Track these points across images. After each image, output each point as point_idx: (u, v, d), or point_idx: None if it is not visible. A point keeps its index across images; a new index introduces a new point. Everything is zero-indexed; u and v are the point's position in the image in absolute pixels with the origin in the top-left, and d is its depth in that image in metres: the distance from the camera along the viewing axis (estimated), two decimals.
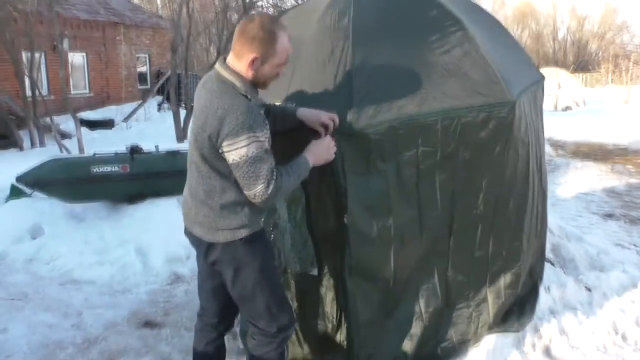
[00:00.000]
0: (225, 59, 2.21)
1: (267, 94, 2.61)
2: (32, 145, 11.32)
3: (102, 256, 4.71)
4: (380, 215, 2.64)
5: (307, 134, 2.45)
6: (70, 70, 15.89)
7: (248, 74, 2.15)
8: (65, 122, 13.15)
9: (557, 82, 22.68)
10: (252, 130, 2.06)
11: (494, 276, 3.00)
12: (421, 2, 3.01)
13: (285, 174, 2.18)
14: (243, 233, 2.24)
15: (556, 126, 13.86)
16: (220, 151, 2.12)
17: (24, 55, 12.03)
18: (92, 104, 16.95)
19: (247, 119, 2.05)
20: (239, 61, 2.15)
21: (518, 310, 3.26)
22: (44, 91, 14.32)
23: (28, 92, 11.53)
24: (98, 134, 13.22)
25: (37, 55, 11.56)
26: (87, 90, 17.31)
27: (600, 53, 40.53)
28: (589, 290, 3.85)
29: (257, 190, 2.12)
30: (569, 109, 20.42)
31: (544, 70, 21.86)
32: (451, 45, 2.77)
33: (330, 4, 3.00)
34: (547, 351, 3.19)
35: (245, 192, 2.16)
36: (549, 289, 3.65)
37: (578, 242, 4.71)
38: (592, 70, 36.45)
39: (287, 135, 2.50)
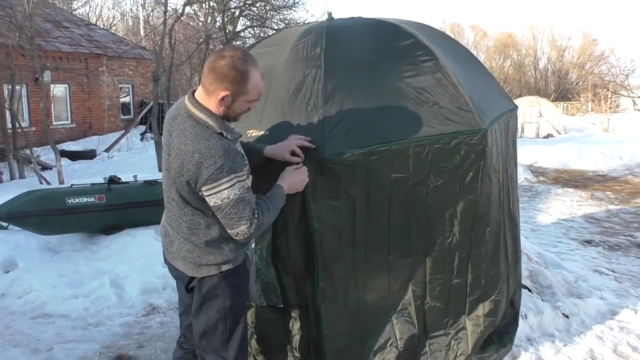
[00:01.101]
0: (194, 92, 2.17)
1: (240, 122, 2.62)
2: (12, 177, 11.18)
3: (77, 289, 4.61)
4: (349, 240, 2.63)
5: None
6: (52, 101, 15.83)
7: (219, 110, 2.12)
8: (47, 154, 13.06)
9: (538, 111, 23.08)
10: (232, 172, 2.04)
11: (472, 304, 2.97)
12: (393, 33, 3.05)
13: (265, 210, 2.18)
14: (226, 267, 2.23)
15: (537, 153, 14.03)
16: (200, 194, 2.10)
17: (5, 88, 11.98)
18: (74, 135, 16.87)
19: (225, 161, 2.03)
20: (209, 97, 2.10)
21: (497, 340, 3.22)
22: (25, 123, 14.24)
23: (9, 124, 11.44)
24: (79, 165, 13.11)
25: (18, 87, 11.51)
26: (69, 121, 17.22)
27: (581, 82, 41.35)
28: (567, 317, 3.84)
29: (239, 230, 2.11)
30: (550, 136, 20.71)
31: (525, 99, 22.20)
32: (423, 74, 2.81)
33: (303, 34, 3.04)
34: None
35: (228, 231, 2.16)
36: (526, 316, 3.64)
37: (556, 268, 4.73)
38: (572, 99, 37.11)
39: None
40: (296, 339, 2.75)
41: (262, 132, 2.66)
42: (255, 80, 2.10)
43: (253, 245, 2.70)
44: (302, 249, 2.61)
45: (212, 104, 2.10)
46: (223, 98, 2.07)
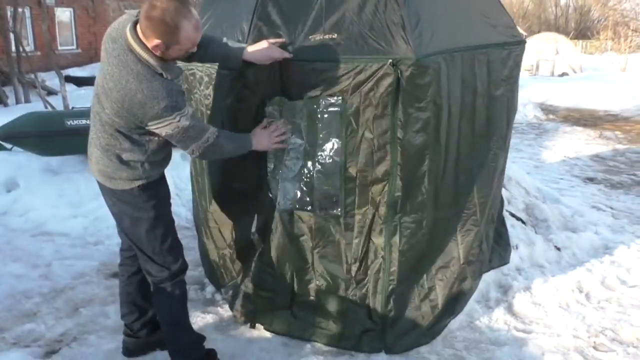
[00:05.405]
0: (135, 24, 2.17)
1: (300, 28, 2.53)
2: (17, 101, 11.10)
3: (76, 209, 4.68)
4: (433, 152, 2.60)
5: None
6: (57, 26, 15.55)
7: (155, 52, 2.16)
8: (52, 79, 12.93)
9: (555, 48, 22.39)
10: (176, 110, 2.17)
11: (490, 211, 3.18)
12: None
13: (227, 138, 2.40)
14: (139, 183, 2.36)
15: (550, 91, 13.74)
16: (146, 127, 2.21)
17: (8, 10, 11.72)
18: (79, 61, 16.63)
19: (169, 102, 2.14)
20: (146, 40, 2.14)
21: (495, 243, 3.44)
22: (30, 47, 14.04)
23: (13, 48, 11.28)
24: (85, 90, 12.97)
25: (21, 10, 11.27)
26: (74, 47, 16.98)
27: (602, 20, 39.89)
28: (559, 249, 3.87)
29: (191, 149, 2.31)
30: (566, 74, 20.20)
31: (542, 35, 21.44)
32: None
33: None
34: (509, 307, 3.23)
35: (183, 149, 2.34)
36: (517, 247, 3.67)
37: (554, 203, 4.71)
38: (592, 38, 35.98)
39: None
40: (355, 246, 2.71)
41: (328, 36, 2.50)
42: (186, 32, 2.13)
43: (313, 152, 2.64)
44: (381, 158, 2.56)
45: (149, 45, 2.15)
46: (156, 45, 2.13)
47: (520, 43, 3.09)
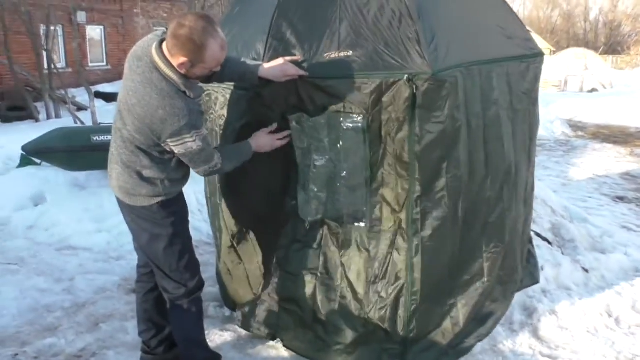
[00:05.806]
0: (161, 43, 2.21)
1: (313, 46, 2.52)
2: (48, 117, 11.42)
3: (100, 224, 4.73)
4: (452, 167, 2.55)
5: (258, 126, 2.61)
6: (87, 43, 15.97)
7: (180, 70, 2.20)
8: (82, 95, 13.25)
9: (584, 64, 22.07)
10: (195, 128, 2.22)
11: (527, 226, 3.27)
12: None
13: (227, 159, 2.44)
14: (157, 200, 2.38)
15: (579, 107, 13.53)
16: (163, 144, 2.25)
17: (42, 28, 12.09)
18: (109, 77, 17.02)
19: (189, 120, 2.19)
20: (172, 58, 2.19)
21: (527, 262, 3.37)
22: (62, 64, 14.42)
23: (45, 65, 11.61)
24: (113, 106, 13.27)
25: (54, 28, 11.60)
26: (104, 63, 17.40)
27: (634, 35, 39.24)
28: (586, 271, 3.75)
29: (200, 170, 2.37)
30: (595, 90, 19.88)
31: (571, 51, 21.08)
32: (495, 4, 3.08)
33: None
34: (534, 331, 3.13)
35: (191, 167, 2.39)
36: (542, 268, 3.56)
37: (582, 223, 4.59)
38: (622, 53, 35.44)
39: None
40: (378, 264, 2.65)
41: (343, 54, 2.47)
42: (212, 52, 2.17)
43: (341, 163, 2.61)
44: (402, 172, 2.51)
45: (175, 63, 2.20)
46: (182, 63, 2.17)
47: (538, 55, 3.06)
